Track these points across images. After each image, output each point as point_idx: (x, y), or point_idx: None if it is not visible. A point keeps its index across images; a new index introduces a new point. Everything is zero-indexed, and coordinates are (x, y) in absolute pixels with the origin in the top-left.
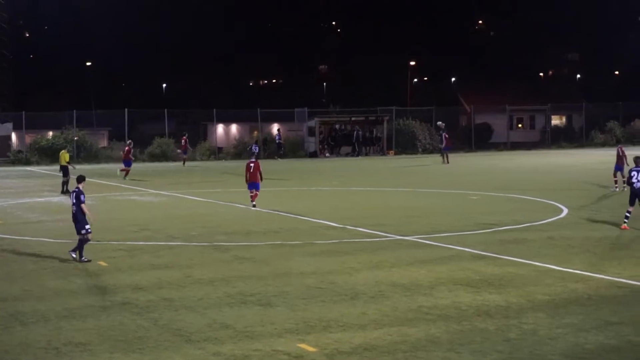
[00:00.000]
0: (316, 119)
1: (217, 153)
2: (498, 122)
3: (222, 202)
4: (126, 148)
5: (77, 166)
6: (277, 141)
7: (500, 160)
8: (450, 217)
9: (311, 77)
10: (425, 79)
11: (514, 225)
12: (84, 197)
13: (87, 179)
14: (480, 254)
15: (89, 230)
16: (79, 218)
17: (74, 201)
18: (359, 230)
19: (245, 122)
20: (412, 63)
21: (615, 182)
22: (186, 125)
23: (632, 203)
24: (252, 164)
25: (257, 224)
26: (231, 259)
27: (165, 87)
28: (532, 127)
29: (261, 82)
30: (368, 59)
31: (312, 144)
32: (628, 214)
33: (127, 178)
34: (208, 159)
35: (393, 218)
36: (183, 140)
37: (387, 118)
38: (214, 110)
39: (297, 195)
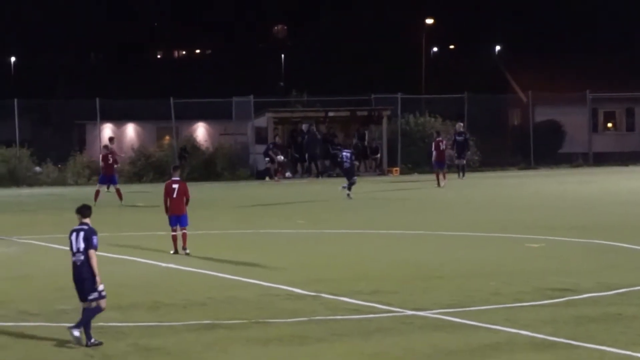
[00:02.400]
0: (268, 114)
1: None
2: (573, 120)
3: (111, 255)
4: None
5: None
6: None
7: (577, 182)
8: (494, 278)
9: (260, 47)
10: (452, 47)
11: (600, 292)
12: (97, 239)
13: None
14: (547, 341)
15: (104, 293)
16: (85, 274)
17: (80, 247)
18: (341, 301)
19: (149, 120)
20: (430, 21)
21: None
22: (49, 127)
23: None
24: (175, 185)
25: (171, 290)
26: (128, 351)
27: (15, 62)
28: (631, 127)
29: (176, 54)
30: (352, 17)
31: (262, 156)
32: None
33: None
34: (88, 181)
35: (398, 280)
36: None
37: (387, 113)
38: (98, 101)
39: (238, 243)
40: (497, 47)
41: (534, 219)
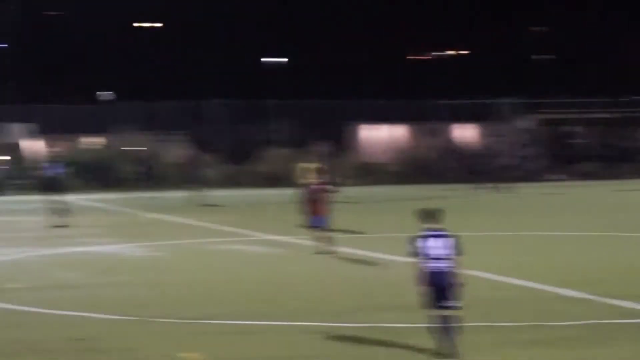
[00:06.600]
0: (537, 116)
1: None
2: None
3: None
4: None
5: None
6: None
7: None
8: None
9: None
10: None
11: None
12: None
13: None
14: None
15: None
16: (448, 282)
17: (445, 253)
18: (615, 305)
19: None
20: None
21: None
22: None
23: None
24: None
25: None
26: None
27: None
28: None
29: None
30: None
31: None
32: None
33: None
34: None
35: None
36: None
37: None
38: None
39: (499, 244)
40: None
41: None
